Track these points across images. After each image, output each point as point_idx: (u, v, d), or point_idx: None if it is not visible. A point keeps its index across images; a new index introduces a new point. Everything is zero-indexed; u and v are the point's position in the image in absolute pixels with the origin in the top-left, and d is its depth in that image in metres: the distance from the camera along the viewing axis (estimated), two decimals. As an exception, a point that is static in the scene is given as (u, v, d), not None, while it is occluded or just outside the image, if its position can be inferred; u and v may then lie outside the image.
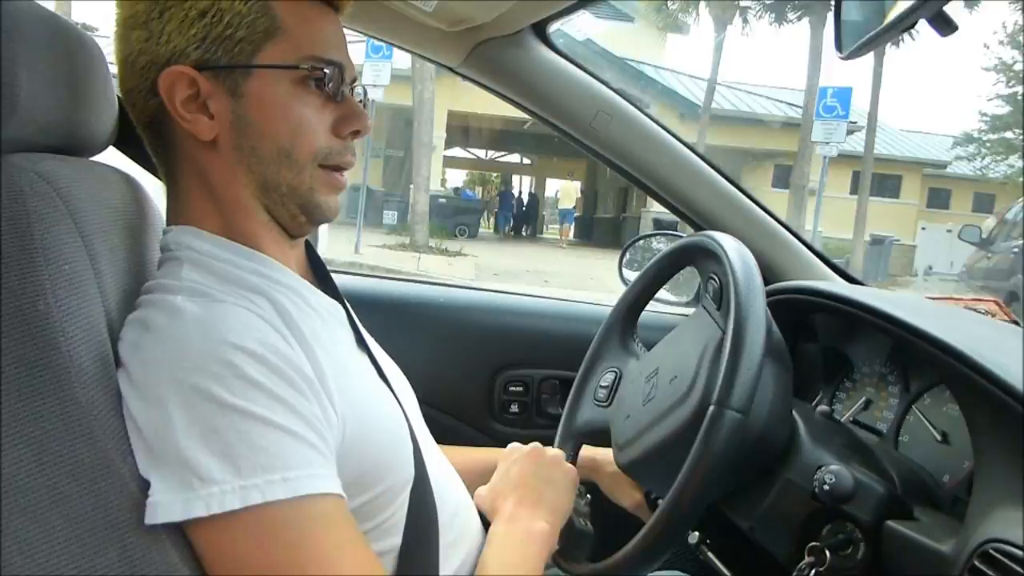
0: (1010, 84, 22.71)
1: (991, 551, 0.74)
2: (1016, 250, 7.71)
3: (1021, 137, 22.58)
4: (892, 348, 1.14)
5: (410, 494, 0.82)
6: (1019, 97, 22.49)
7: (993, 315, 1.33)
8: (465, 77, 1.40)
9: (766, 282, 0.95)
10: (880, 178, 21.18)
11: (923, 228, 20.49)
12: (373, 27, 1.32)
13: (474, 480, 1.06)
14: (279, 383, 0.68)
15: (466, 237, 16.74)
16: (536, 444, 1.03)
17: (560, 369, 1.58)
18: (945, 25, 0.63)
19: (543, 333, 1.64)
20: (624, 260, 1.66)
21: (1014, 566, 0.71)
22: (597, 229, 24.02)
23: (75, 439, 0.62)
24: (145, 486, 0.64)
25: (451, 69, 1.38)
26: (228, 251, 0.78)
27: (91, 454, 0.63)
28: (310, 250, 0.94)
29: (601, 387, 1.14)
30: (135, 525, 0.63)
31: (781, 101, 19.98)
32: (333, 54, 0.80)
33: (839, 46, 0.80)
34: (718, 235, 0.99)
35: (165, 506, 0.63)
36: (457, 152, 30.46)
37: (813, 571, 0.90)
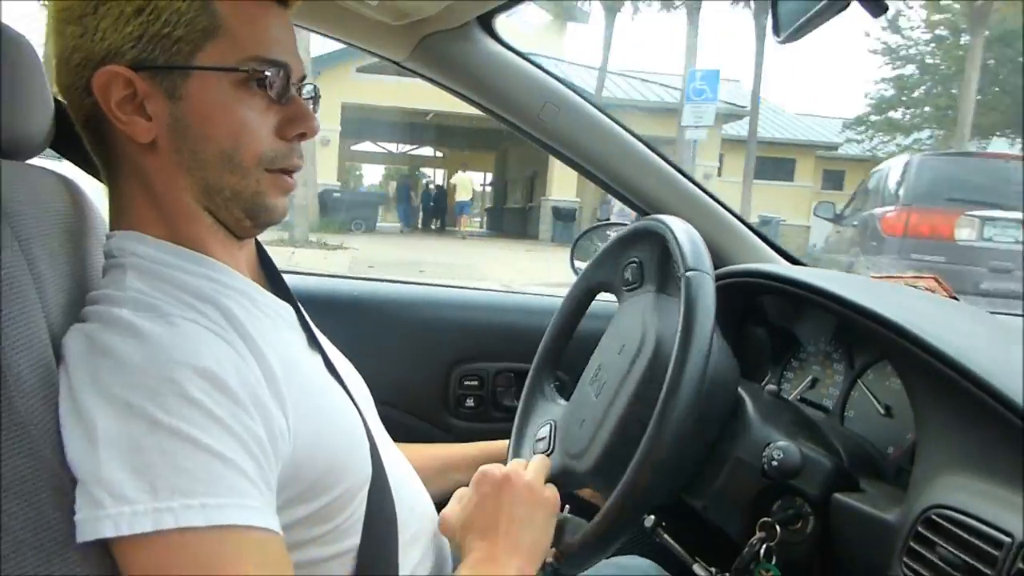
0: (895, 66, 23.30)
1: (934, 517, 0.76)
2: (856, 223, 8.18)
3: (906, 117, 23.37)
4: (837, 326, 1.17)
5: (368, 494, 0.81)
6: (905, 77, 23.13)
7: (933, 291, 1.37)
8: (412, 71, 1.39)
9: (714, 266, 0.97)
10: (776, 162, 21.86)
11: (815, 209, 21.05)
12: (318, 22, 1.31)
13: (431, 476, 1.06)
14: (222, 401, 0.65)
15: (362, 231, 16.50)
16: (514, 470, 0.92)
17: (515, 361, 1.59)
18: (875, 6, 0.64)
19: (497, 326, 1.65)
20: (575, 251, 1.67)
21: (956, 529, 0.73)
22: (508, 219, 24.33)
23: (14, 452, 0.60)
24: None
25: (398, 64, 1.38)
26: (174, 256, 0.76)
27: (31, 467, 0.61)
28: (260, 249, 0.92)
29: (539, 440, 1.09)
30: (73, 541, 0.61)
31: (671, 87, 20.34)
32: (278, 53, 0.78)
33: (776, 30, 0.82)
34: (666, 217, 0.99)
35: (82, 524, 0.61)
36: (367, 147, 30.29)
37: (764, 546, 0.92)
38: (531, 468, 0.94)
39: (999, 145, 21.66)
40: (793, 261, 1.44)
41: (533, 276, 10.27)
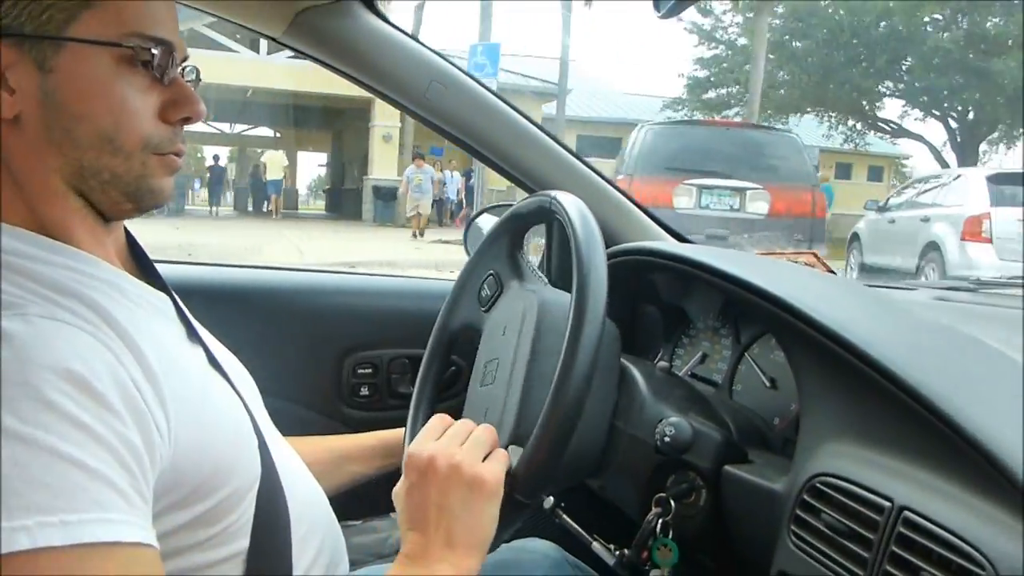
0: (710, 47, 23.91)
1: (818, 485, 0.78)
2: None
3: (718, 96, 24.09)
4: (724, 302, 1.20)
5: (257, 495, 0.77)
6: (718, 57, 23.75)
7: (812, 266, 1.42)
8: (291, 48, 1.33)
9: (606, 245, 0.96)
10: (602, 141, 22.23)
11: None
12: None
13: (327, 470, 1.03)
14: (88, 406, 0.59)
15: (166, 215, 15.61)
16: (443, 450, 0.81)
17: (410, 348, 1.56)
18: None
19: (390, 312, 1.61)
20: (468, 233, 1.65)
21: (839, 496, 0.75)
22: (345, 200, 24.01)
23: None
24: None
25: (275, 40, 1.31)
26: (32, 245, 0.69)
27: None
28: (130, 236, 0.85)
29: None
30: None
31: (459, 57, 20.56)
32: (160, 31, 0.72)
33: (657, 6, 0.82)
34: (558, 193, 0.97)
35: None
36: (199, 127, 29.38)
37: (660, 521, 0.93)
38: (467, 444, 0.82)
39: (808, 122, 22.56)
40: (680, 239, 1.46)
41: (320, 257, 10.32)
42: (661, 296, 1.30)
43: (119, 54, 0.70)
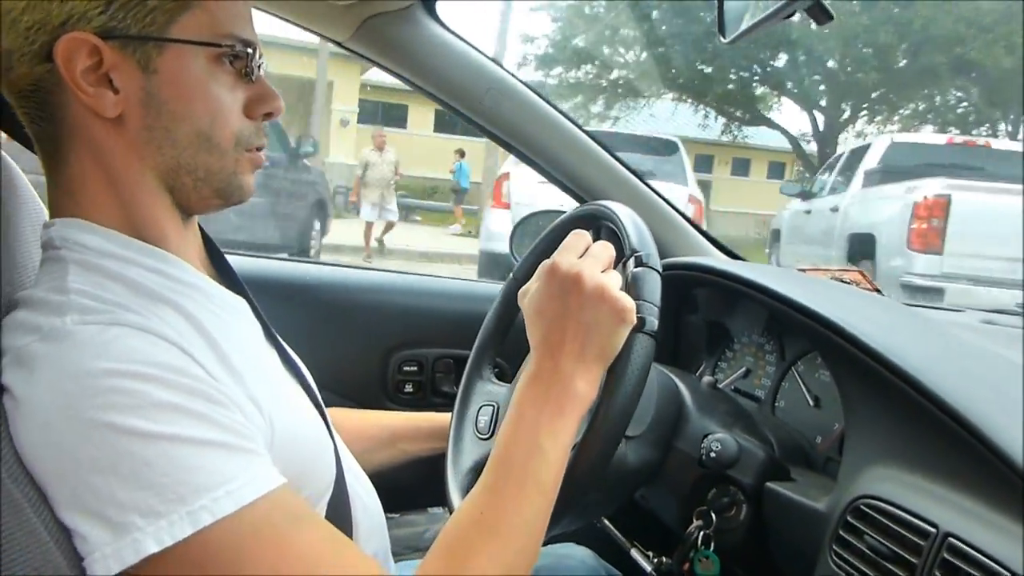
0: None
1: (862, 506, 0.79)
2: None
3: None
4: (768, 319, 1.21)
5: (329, 502, 0.79)
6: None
7: (857, 284, 1.42)
8: (354, 52, 1.37)
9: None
10: (391, 107, 21.02)
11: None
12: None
13: (380, 446, 1.08)
14: (195, 400, 0.63)
15: None
16: (588, 269, 0.78)
17: (454, 348, 1.58)
18: (821, 14, 0.66)
19: (436, 312, 1.64)
20: (515, 237, 1.67)
21: (883, 519, 0.76)
22: None
23: None
24: (60, 535, 0.60)
25: (340, 44, 1.35)
26: (125, 248, 0.72)
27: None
28: (204, 234, 0.88)
29: (481, 419, 1.06)
30: None
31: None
32: (247, 31, 0.75)
33: (722, 32, 0.83)
34: (611, 203, 0.97)
35: (114, 556, 0.59)
36: None
37: (701, 533, 0.95)
38: (610, 274, 0.81)
39: (685, 112, 20.13)
40: (730, 254, 1.47)
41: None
42: (705, 310, 1.31)
43: (213, 54, 0.72)
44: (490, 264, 7.54)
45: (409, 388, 1.58)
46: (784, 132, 19.62)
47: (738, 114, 20.08)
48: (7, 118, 0.79)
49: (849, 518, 0.80)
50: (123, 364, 0.62)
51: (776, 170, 24.76)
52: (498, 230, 7.08)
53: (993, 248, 6.07)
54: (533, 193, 6.29)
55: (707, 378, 1.10)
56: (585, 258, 0.81)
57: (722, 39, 0.82)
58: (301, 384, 0.84)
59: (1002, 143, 12.47)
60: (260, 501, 0.63)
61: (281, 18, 1.30)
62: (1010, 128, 18.28)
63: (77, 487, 0.60)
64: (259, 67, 0.78)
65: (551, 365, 0.77)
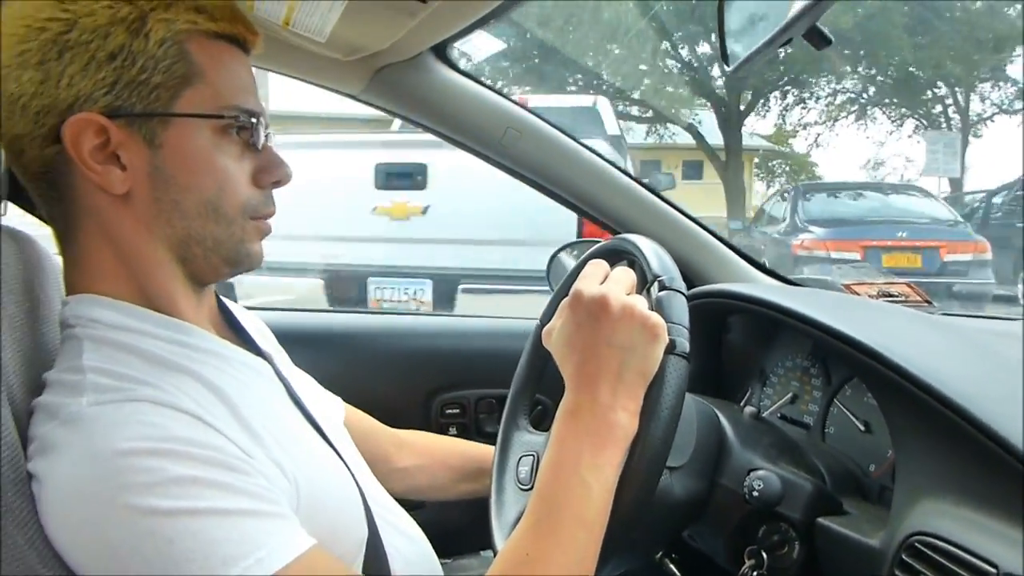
0: None
1: (917, 544, 0.75)
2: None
3: None
4: (813, 343, 1.16)
5: (365, 556, 0.79)
6: None
7: (907, 296, 1.37)
8: (369, 103, 1.37)
9: (688, 285, 0.94)
10: None
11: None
12: (271, 62, 1.29)
13: (467, 477, 1.10)
14: (214, 470, 0.63)
15: None
16: (611, 292, 0.76)
17: (495, 388, 1.57)
18: (819, 39, 0.64)
19: (477, 353, 1.63)
20: (551, 269, 1.65)
21: (939, 558, 0.72)
22: None
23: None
24: None
25: (354, 97, 1.36)
26: (139, 320, 0.73)
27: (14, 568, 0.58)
28: (219, 299, 0.89)
29: (521, 469, 1.02)
30: None
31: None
32: (251, 102, 0.77)
33: (725, 60, 0.81)
34: (634, 236, 0.95)
35: None
36: None
37: (755, 573, 0.91)
38: (635, 296, 0.79)
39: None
40: (776, 277, 1.43)
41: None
42: (746, 336, 1.27)
43: (218, 125, 0.74)
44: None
45: (453, 431, 1.58)
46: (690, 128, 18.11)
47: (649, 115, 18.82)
48: (27, 199, 0.81)
49: (904, 556, 0.76)
50: (137, 443, 0.62)
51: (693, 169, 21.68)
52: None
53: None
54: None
55: (749, 408, 1.06)
56: (607, 283, 0.79)
57: (726, 67, 0.80)
58: (327, 442, 0.84)
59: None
60: (293, 564, 0.63)
61: (293, 77, 1.32)
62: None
63: (108, 571, 0.60)
64: (265, 136, 0.78)
65: (589, 398, 0.74)
